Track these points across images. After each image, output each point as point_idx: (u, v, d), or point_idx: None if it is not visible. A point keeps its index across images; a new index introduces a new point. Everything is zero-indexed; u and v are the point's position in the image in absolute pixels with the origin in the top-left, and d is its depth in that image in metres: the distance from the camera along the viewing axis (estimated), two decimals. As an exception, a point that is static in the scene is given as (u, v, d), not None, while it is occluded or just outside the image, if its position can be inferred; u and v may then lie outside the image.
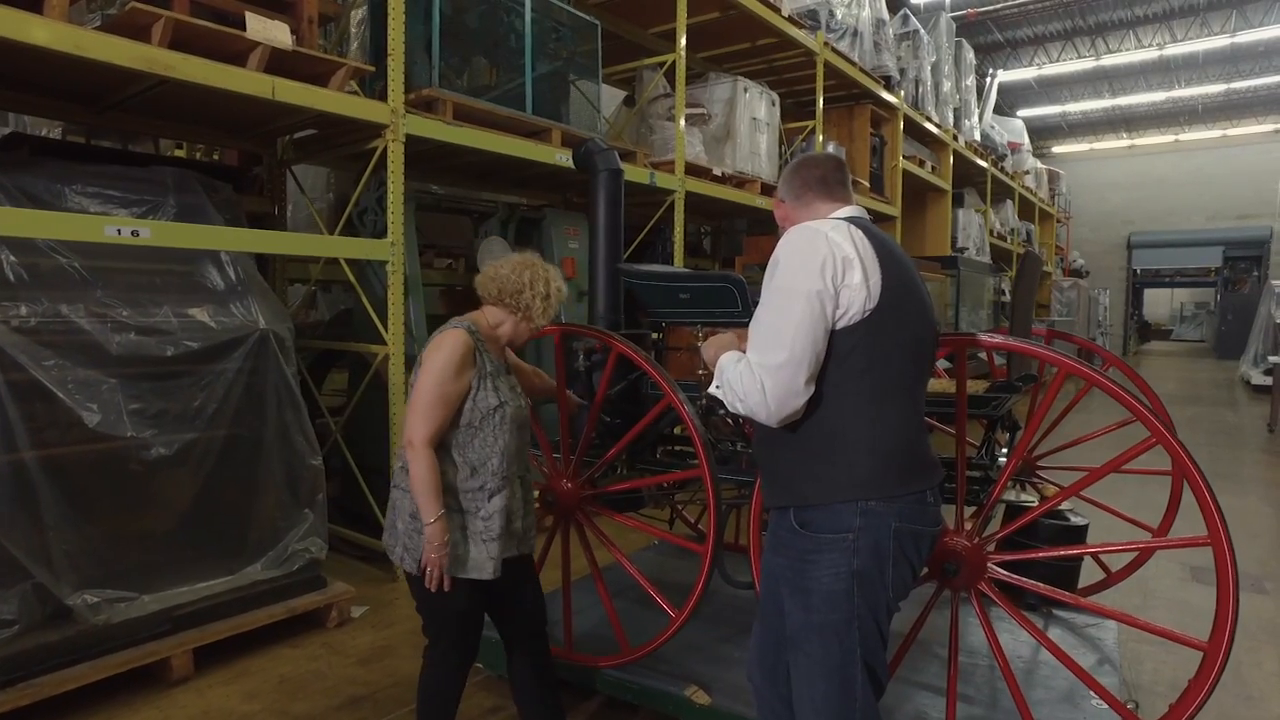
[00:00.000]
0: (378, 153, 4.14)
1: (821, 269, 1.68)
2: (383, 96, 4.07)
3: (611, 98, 7.41)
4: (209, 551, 3.39)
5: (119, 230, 3.06)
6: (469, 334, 2.27)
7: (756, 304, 1.79)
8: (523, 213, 5.55)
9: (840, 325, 1.71)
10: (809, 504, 1.77)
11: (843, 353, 1.72)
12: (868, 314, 1.70)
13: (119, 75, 3.29)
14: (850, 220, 1.80)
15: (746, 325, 1.88)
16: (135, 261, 3.37)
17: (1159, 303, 35.76)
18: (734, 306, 2.78)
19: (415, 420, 2.15)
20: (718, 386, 1.82)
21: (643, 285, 3.01)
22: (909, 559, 1.78)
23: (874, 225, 1.83)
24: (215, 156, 5.96)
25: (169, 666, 3.03)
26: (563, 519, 2.85)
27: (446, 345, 2.22)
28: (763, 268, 1.83)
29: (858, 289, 1.69)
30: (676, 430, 3.29)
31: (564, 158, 4.87)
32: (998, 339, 2.24)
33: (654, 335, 3.47)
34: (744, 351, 1.81)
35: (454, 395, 2.20)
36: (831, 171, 1.92)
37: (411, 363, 4.59)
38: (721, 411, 2.75)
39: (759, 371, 1.69)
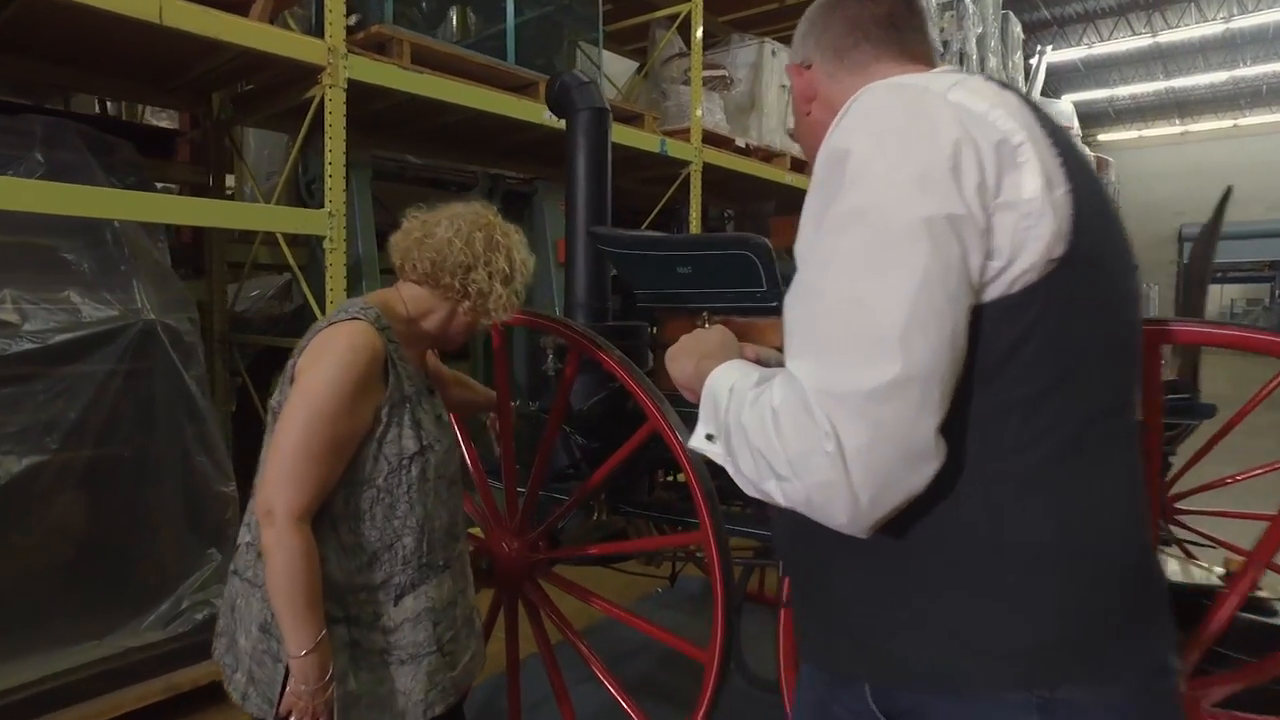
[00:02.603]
0: (315, 103, 3.34)
1: (953, 166, 0.74)
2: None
3: (625, 69, 6.64)
4: (64, 614, 2.60)
5: (-77, 186, 2.27)
6: (378, 333, 1.36)
7: (789, 278, 0.86)
8: (509, 185, 4.72)
9: (992, 295, 0.77)
10: (922, 686, 0.84)
11: (997, 356, 0.78)
12: (1053, 268, 0.77)
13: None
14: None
15: (773, 314, 0.99)
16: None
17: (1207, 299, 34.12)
18: (754, 285, 1.88)
19: (281, 480, 1.26)
20: (710, 436, 0.86)
21: (624, 256, 2.14)
22: None
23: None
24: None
25: (-26, 780, 2.24)
26: (507, 593, 2.00)
27: (338, 353, 1.31)
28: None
29: (1036, 209, 0.76)
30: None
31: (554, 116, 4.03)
32: (1193, 328, 1.35)
33: (651, 328, 2.60)
34: (753, 359, 0.89)
35: (347, 438, 1.31)
36: (900, 9, 0.98)
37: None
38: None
39: (827, 406, 0.74)
